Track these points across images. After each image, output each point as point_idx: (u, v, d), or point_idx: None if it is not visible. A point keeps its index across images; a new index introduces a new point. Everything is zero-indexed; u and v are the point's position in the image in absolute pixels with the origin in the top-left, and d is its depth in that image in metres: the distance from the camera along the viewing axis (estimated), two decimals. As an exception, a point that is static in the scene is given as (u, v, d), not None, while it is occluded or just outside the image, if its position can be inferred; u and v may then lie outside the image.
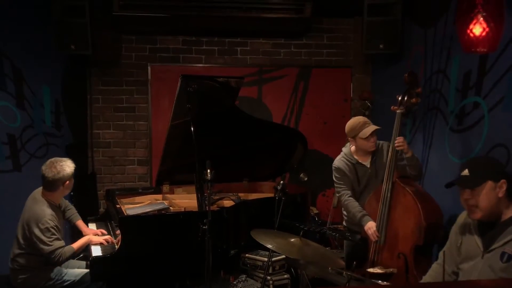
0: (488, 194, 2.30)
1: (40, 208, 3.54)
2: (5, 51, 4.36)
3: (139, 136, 5.48)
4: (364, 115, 5.24)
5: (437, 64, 4.04)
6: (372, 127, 3.58)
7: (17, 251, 3.58)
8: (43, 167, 3.59)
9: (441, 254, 2.61)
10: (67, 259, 3.52)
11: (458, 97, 3.71)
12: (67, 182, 3.63)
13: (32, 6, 4.59)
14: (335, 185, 3.79)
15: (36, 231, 3.45)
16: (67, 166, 3.62)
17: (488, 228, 2.34)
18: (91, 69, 5.35)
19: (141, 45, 5.40)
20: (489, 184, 2.31)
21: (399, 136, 3.39)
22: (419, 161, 3.52)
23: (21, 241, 3.55)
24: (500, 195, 2.30)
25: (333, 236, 4.60)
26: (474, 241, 2.38)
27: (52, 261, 3.46)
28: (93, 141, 5.39)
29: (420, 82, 4.27)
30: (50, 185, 3.59)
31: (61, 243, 3.51)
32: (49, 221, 3.47)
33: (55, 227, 3.49)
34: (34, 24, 4.60)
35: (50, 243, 3.45)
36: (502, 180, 2.31)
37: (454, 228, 2.56)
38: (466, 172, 2.37)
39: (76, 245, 3.61)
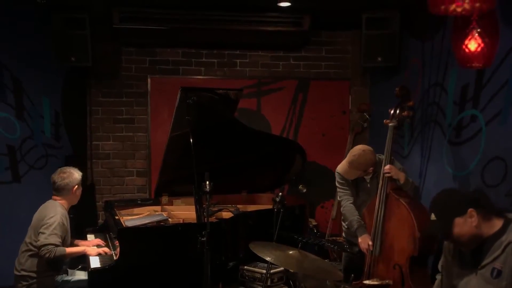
0: (461, 228, 2.24)
1: (53, 206, 3.69)
2: (5, 62, 4.39)
3: (139, 147, 5.49)
4: (362, 127, 5.27)
5: (435, 77, 4.07)
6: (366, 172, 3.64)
7: (23, 255, 3.64)
8: (53, 175, 3.77)
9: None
10: (55, 258, 3.51)
11: (456, 110, 3.73)
12: (76, 187, 3.79)
13: (32, 18, 4.62)
14: (338, 189, 3.81)
15: (45, 222, 3.56)
16: (75, 172, 3.82)
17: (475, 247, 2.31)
18: (91, 80, 5.37)
19: (141, 57, 5.43)
20: (457, 221, 2.24)
21: (391, 148, 3.47)
22: (414, 183, 3.55)
23: (28, 242, 3.63)
24: (474, 223, 2.23)
25: (332, 248, 4.60)
26: (466, 258, 2.36)
27: (41, 253, 3.50)
28: (92, 152, 5.40)
29: (418, 95, 4.31)
30: (60, 189, 3.74)
31: (57, 240, 3.53)
32: (58, 217, 3.59)
33: (61, 224, 3.59)
34: (34, 35, 4.64)
35: (47, 237, 3.51)
36: (469, 210, 2.23)
37: (447, 244, 2.54)
38: (433, 217, 2.34)
39: (69, 250, 3.63)
